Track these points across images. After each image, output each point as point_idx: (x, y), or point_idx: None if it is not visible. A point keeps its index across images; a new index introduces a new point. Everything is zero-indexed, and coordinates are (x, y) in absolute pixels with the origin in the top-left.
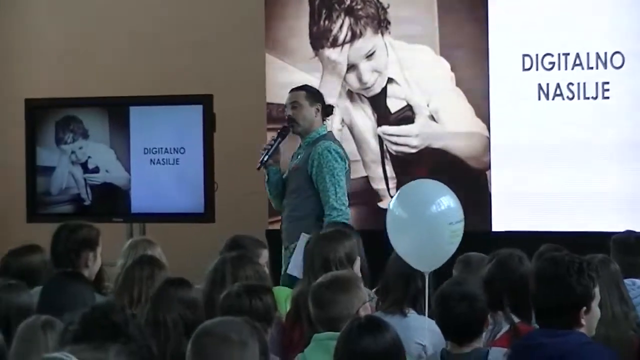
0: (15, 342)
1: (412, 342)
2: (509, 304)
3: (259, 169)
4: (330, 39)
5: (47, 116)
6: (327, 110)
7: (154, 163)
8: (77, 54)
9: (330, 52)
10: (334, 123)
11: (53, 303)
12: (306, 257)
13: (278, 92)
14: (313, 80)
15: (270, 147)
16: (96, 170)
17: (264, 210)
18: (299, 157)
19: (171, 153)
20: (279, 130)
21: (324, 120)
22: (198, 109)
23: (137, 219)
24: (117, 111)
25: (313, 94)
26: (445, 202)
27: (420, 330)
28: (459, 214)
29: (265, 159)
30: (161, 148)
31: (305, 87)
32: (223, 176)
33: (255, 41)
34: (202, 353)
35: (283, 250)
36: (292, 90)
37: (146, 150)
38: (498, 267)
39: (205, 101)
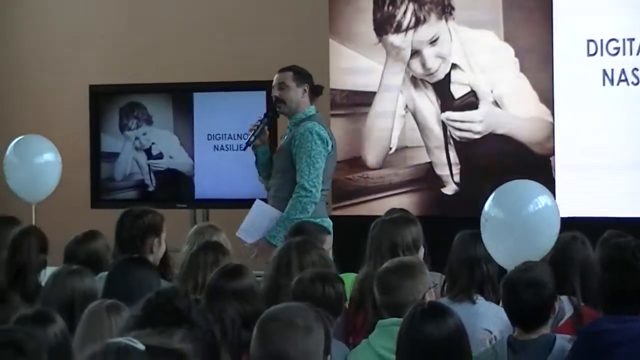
0: (79, 327)
1: (479, 328)
2: (572, 287)
3: (244, 149)
4: (394, 25)
5: (111, 102)
6: (316, 90)
7: (217, 149)
8: (140, 40)
9: (394, 38)
10: (397, 109)
11: (118, 289)
12: (372, 241)
13: (341, 78)
14: (376, 66)
15: (256, 127)
16: (160, 156)
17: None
18: (284, 137)
19: (234, 139)
20: (265, 112)
21: (312, 100)
22: (261, 95)
23: (200, 205)
24: (180, 97)
25: (300, 75)
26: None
27: (488, 317)
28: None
29: (251, 139)
30: (225, 134)
31: (292, 68)
32: None
33: (319, 27)
34: (267, 338)
35: None
36: (280, 70)
37: (210, 137)
38: (560, 251)
39: (268, 87)
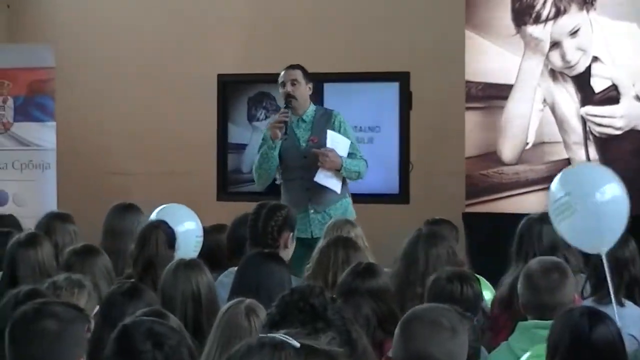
0: (215, 329)
1: (625, 334)
2: None
3: (285, 140)
4: (533, 15)
5: (239, 92)
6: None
7: None
8: (269, 29)
9: (532, 29)
10: (535, 103)
11: (248, 283)
12: (526, 239)
13: (477, 70)
14: (514, 59)
15: (286, 119)
16: None
17: (461, 191)
18: (302, 132)
19: (366, 132)
20: (285, 104)
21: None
22: (394, 86)
23: None
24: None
25: (307, 74)
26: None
27: (634, 322)
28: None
29: (287, 130)
30: (356, 126)
31: (300, 66)
32: (419, 156)
33: (454, 17)
34: (411, 338)
35: (311, 214)
36: (289, 68)
37: None
38: None
39: (401, 78)
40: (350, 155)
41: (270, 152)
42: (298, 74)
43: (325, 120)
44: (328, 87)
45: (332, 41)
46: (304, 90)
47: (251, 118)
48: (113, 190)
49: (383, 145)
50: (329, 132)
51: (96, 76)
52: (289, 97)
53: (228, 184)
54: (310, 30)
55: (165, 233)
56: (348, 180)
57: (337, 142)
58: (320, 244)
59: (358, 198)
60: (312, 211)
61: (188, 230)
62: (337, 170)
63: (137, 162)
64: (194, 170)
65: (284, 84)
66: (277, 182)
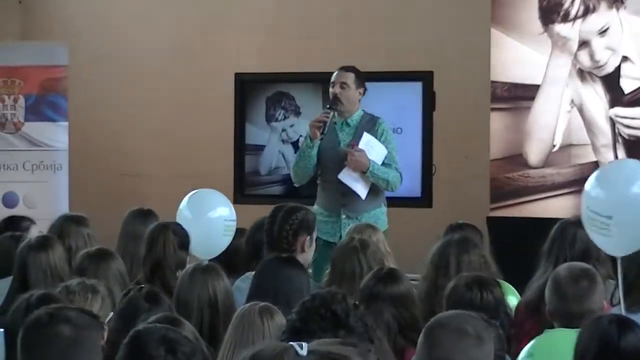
0: (230, 330)
1: None
2: None
3: (321, 139)
4: (561, 13)
5: (257, 92)
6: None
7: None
8: (289, 27)
9: (560, 28)
10: (562, 104)
11: (266, 288)
12: (557, 243)
13: (503, 69)
14: (541, 58)
15: (327, 119)
16: None
17: (485, 195)
18: (344, 135)
19: None
20: (329, 105)
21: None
22: (417, 86)
23: None
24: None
25: (360, 78)
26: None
27: None
28: None
29: (326, 130)
30: None
31: (354, 69)
32: (442, 158)
33: (480, 14)
34: (435, 345)
35: (343, 219)
36: (342, 69)
37: None
38: None
39: (425, 78)
40: (385, 165)
41: (308, 151)
42: (349, 77)
43: (370, 126)
44: None
45: (353, 39)
46: (353, 94)
47: (269, 118)
48: (127, 192)
49: (405, 148)
50: (365, 135)
51: (110, 75)
52: (334, 99)
53: (245, 186)
54: (331, 29)
55: (176, 234)
56: (383, 190)
57: (371, 147)
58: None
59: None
60: (344, 216)
61: (220, 216)
62: (363, 174)
63: (151, 164)
64: (210, 172)
65: (333, 85)
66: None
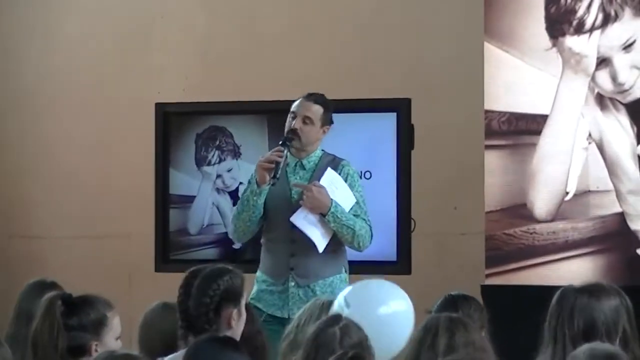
0: None
1: None
2: None
3: (273, 185)
4: (574, 24)
5: (184, 127)
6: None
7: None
8: (224, 45)
9: (573, 42)
10: (577, 139)
11: None
12: (556, 319)
13: (500, 95)
14: (549, 80)
15: (280, 159)
16: None
17: (480, 257)
18: (298, 180)
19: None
20: (282, 140)
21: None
22: (390, 118)
23: None
24: (280, 120)
25: (328, 113)
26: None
27: None
28: None
29: (279, 173)
30: None
31: (323, 101)
32: (423, 211)
33: (470, 25)
34: None
35: (291, 288)
36: (310, 99)
37: None
38: None
39: (400, 107)
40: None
41: (254, 199)
42: (316, 112)
43: (331, 168)
44: None
45: (307, 58)
46: (316, 133)
47: (200, 161)
48: (18, 259)
49: (376, 197)
50: (329, 171)
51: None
52: (292, 134)
53: (170, 249)
54: (280, 45)
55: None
56: (346, 249)
57: (335, 187)
58: (296, 324)
59: (357, 266)
60: (292, 284)
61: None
62: (322, 216)
63: (50, 222)
64: (124, 232)
65: (294, 116)
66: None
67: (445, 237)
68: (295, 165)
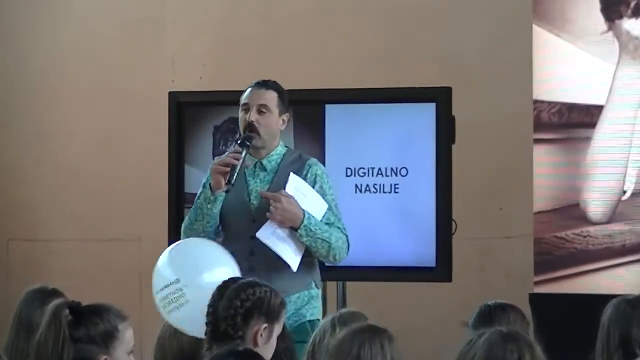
0: None
1: None
2: None
3: (227, 191)
4: (632, 5)
5: (201, 119)
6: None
7: (360, 191)
8: (244, 28)
9: (631, 24)
10: (635, 132)
11: None
12: (602, 331)
13: (551, 84)
14: (605, 67)
15: (236, 162)
16: None
17: (527, 262)
18: (257, 183)
19: (387, 176)
20: (240, 140)
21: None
22: (429, 109)
23: (334, 276)
24: (306, 112)
25: (284, 98)
26: None
27: None
28: None
29: (234, 178)
30: (372, 168)
31: (275, 85)
32: (464, 212)
33: (517, 7)
34: None
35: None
36: (260, 85)
37: (349, 172)
38: None
39: (440, 97)
40: (327, 224)
41: (207, 207)
42: (270, 98)
43: (295, 170)
44: (331, 111)
45: (336, 44)
46: (275, 122)
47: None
48: (16, 264)
49: (412, 196)
50: (292, 177)
51: (12, 102)
52: (249, 131)
53: None
54: (305, 29)
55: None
56: (319, 261)
57: (302, 195)
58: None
59: (376, 274)
60: None
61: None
62: (293, 230)
63: (54, 224)
64: (133, 235)
65: (247, 108)
66: None
67: (490, 241)
68: (255, 167)
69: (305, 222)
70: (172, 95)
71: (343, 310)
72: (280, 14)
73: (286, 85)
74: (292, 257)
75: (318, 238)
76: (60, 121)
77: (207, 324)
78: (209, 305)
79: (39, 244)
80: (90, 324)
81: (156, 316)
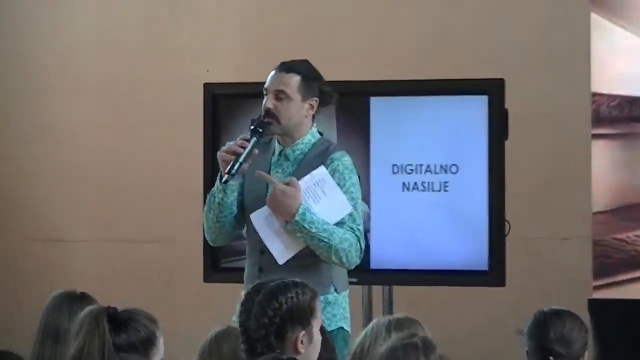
0: None
1: None
2: None
3: (226, 182)
4: None
5: (237, 111)
6: (325, 99)
7: (408, 189)
8: (282, 18)
9: None
10: None
11: None
12: None
13: (611, 76)
14: None
15: (242, 150)
16: None
17: (586, 266)
18: (280, 174)
19: (436, 173)
20: (252, 127)
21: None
22: (480, 102)
23: (380, 280)
24: (350, 105)
25: (310, 82)
26: None
27: None
28: None
29: (236, 168)
30: (420, 165)
31: (302, 67)
32: (519, 212)
33: None
34: None
35: None
36: (282, 69)
37: (396, 169)
38: None
39: (492, 89)
40: (338, 223)
41: (218, 196)
42: (290, 83)
43: (318, 164)
44: (376, 104)
45: (380, 34)
46: (296, 110)
47: None
48: (36, 266)
49: (463, 195)
50: (321, 170)
51: (17, 92)
52: (267, 117)
53: (220, 256)
54: (346, 19)
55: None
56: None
57: (323, 193)
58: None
59: (424, 277)
60: None
61: None
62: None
63: (81, 225)
64: (166, 236)
65: (266, 93)
66: None
67: (546, 243)
68: (280, 157)
69: (298, 218)
70: (207, 87)
71: (399, 316)
72: (323, 2)
73: (329, 77)
74: (279, 250)
75: (314, 237)
76: (80, 113)
77: (242, 342)
78: (240, 325)
79: (59, 245)
80: (131, 331)
81: (188, 323)
